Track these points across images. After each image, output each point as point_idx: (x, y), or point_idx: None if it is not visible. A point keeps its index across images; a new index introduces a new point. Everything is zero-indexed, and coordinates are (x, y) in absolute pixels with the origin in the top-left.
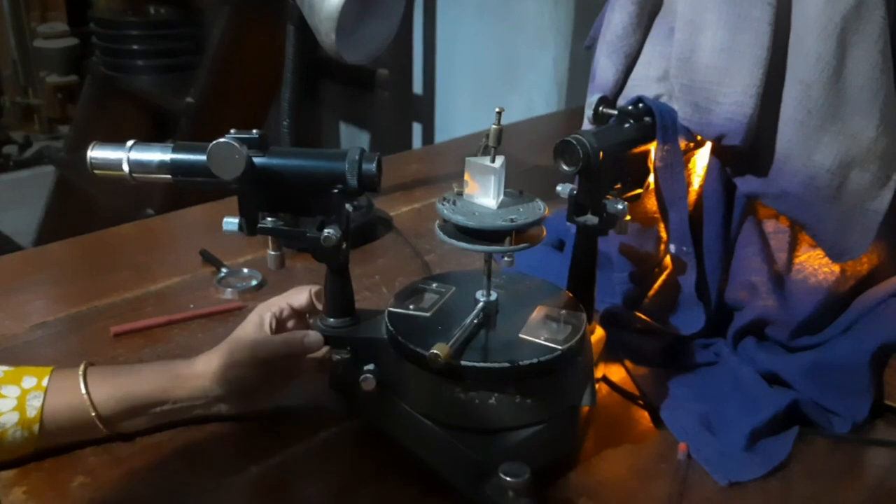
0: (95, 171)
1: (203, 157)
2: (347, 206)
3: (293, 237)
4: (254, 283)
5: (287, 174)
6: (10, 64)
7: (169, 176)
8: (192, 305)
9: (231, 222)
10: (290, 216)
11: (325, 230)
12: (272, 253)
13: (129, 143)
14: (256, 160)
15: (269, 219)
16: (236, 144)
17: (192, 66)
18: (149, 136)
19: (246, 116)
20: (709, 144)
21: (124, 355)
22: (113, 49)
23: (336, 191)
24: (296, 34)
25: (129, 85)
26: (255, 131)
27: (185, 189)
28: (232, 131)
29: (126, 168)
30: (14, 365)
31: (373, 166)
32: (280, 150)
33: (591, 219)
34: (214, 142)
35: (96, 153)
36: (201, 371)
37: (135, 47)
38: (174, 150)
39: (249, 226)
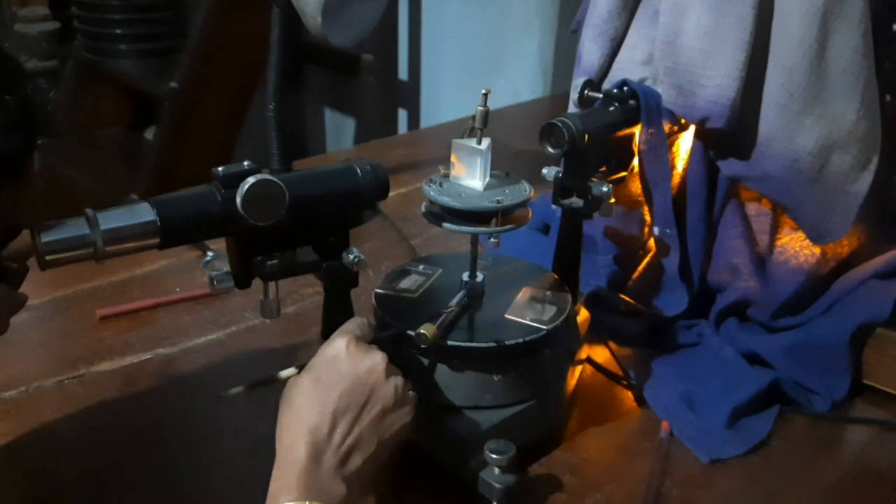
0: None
1: (203, 208)
2: None
3: (307, 272)
4: None
5: (305, 205)
6: None
7: (155, 242)
8: (178, 289)
9: (224, 279)
10: (290, 252)
11: (352, 255)
12: (267, 300)
13: (89, 212)
14: None
15: (269, 262)
16: (276, 181)
17: (176, 51)
18: (132, 122)
19: (229, 101)
20: (692, 128)
21: (111, 338)
22: (95, 33)
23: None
24: (281, 17)
25: (112, 69)
26: (246, 163)
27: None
28: (220, 168)
29: (101, 246)
30: None
31: (385, 173)
32: (283, 179)
33: (576, 201)
34: (250, 183)
35: (50, 247)
36: None
37: (117, 31)
38: (159, 209)
39: (247, 275)
